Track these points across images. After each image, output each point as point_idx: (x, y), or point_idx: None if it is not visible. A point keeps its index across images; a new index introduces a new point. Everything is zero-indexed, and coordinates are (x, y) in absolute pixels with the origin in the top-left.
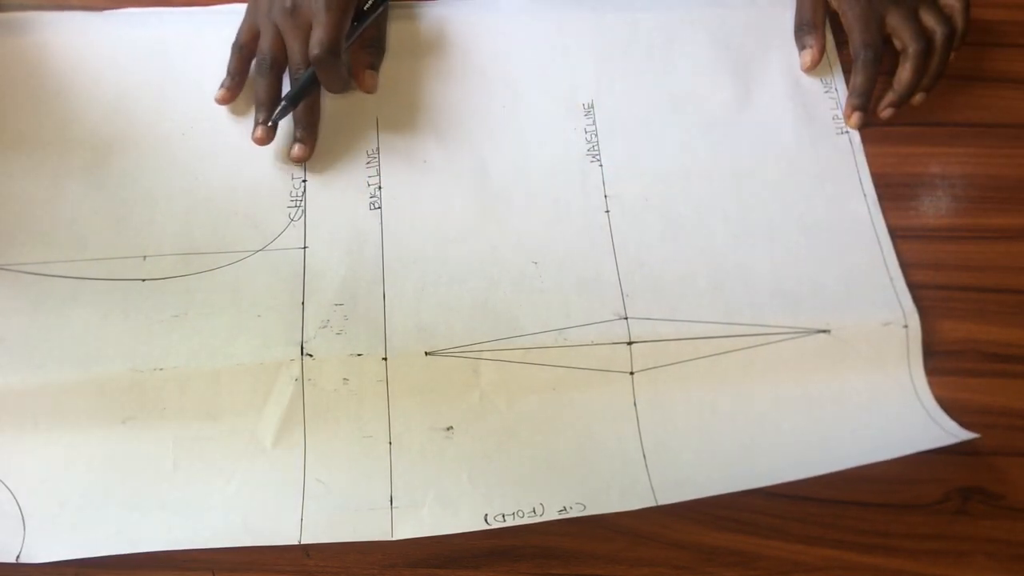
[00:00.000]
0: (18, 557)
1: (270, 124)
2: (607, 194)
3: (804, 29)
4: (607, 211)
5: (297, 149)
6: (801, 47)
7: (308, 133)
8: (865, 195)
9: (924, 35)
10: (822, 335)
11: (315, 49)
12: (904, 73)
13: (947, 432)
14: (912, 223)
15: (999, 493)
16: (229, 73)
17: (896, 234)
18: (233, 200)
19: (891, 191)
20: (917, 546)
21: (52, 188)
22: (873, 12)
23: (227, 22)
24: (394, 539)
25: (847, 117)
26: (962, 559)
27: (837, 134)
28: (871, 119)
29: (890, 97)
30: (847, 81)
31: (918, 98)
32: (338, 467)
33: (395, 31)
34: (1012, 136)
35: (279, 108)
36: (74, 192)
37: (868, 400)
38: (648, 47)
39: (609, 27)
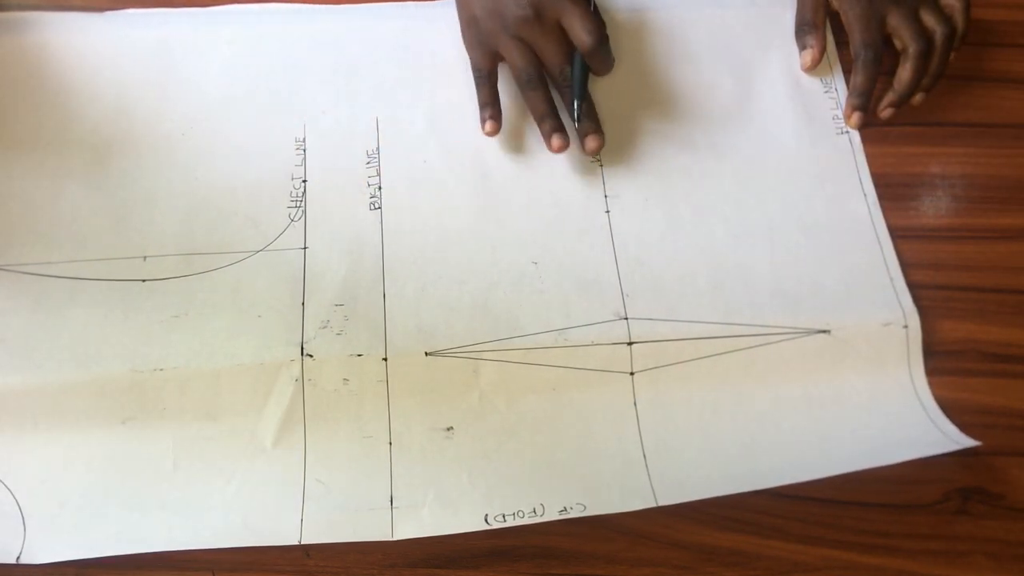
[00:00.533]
0: (18, 558)
1: (576, 121)
2: (607, 194)
3: (805, 29)
4: (607, 211)
5: (592, 140)
6: (802, 47)
7: (594, 123)
8: (865, 195)
9: (924, 35)
10: (822, 335)
11: (588, 40)
12: (904, 73)
13: (947, 436)
14: (912, 223)
15: (999, 493)
16: (487, 104)
17: (896, 234)
18: (233, 200)
19: (891, 191)
20: (917, 546)
21: (52, 188)
22: (874, 12)
23: (228, 23)
24: (394, 539)
25: (847, 117)
26: (962, 559)
27: (837, 134)
28: (871, 119)
29: (890, 97)
30: (847, 81)
31: (918, 98)
32: (338, 467)
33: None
34: (1012, 136)
35: (577, 106)
36: (74, 192)
37: (868, 400)
38: (649, 46)
39: (612, 25)
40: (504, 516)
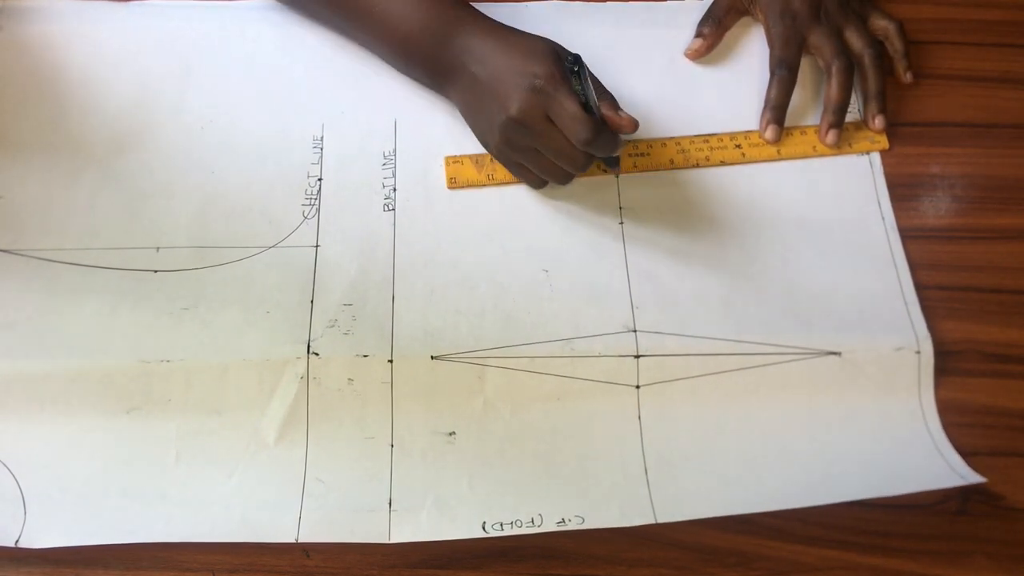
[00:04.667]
0: (17, 541)
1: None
2: (621, 205)
3: (707, 21)
4: (621, 222)
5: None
6: (696, 34)
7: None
8: (883, 218)
9: (846, 53)
10: (832, 357)
11: (581, 138)
12: (831, 91)
13: (953, 469)
14: (912, 223)
15: (999, 493)
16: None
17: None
18: (248, 196)
19: (892, 191)
20: (917, 546)
21: (69, 176)
22: (795, 32)
23: (253, 19)
24: (391, 542)
25: (762, 131)
26: (962, 559)
27: (857, 155)
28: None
29: (827, 118)
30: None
31: (878, 121)
32: (339, 467)
33: None
34: (1012, 136)
35: (614, 163)
36: (91, 181)
37: (875, 426)
38: (663, 62)
39: (629, 43)
40: (502, 524)
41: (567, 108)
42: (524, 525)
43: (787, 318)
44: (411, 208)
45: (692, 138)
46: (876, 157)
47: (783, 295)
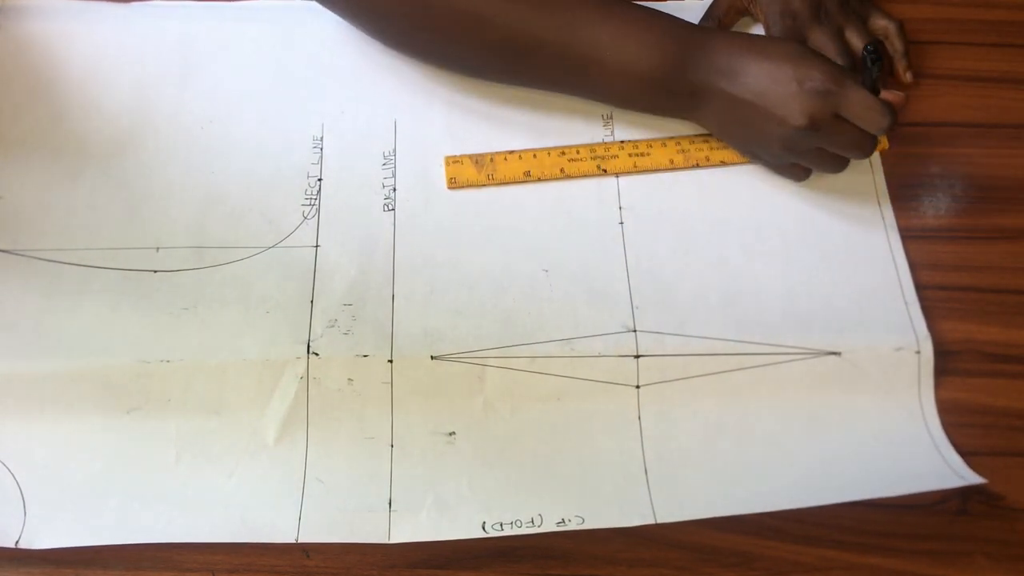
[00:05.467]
0: (17, 542)
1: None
2: (622, 205)
3: (706, 20)
4: (621, 222)
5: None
6: None
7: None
8: (884, 218)
9: (848, 53)
10: (832, 357)
11: (881, 126)
12: None
13: (953, 470)
14: (912, 223)
15: (999, 493)
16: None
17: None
18: (248, 196)
19: (891, 191)
20: (917, 546)
21: (69, 176)
22: (795, 32)
23: (253, 19)
24: (391, 542)
25: None
26: (962, 559)
27: None
28: None
29: None
30: None
31: (883, 140)
32: (339, 467)
33: None
34: (1012, 136)
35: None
36: (91, 181)
37: (876, 426)
38: None
39: None
40: (501, 524)
41: (862, 101)
42: (524, 525)
43: (787, 318)
44: (411, 208)
45: (692, 138)
46: (876, 157)
47: (783, 295)
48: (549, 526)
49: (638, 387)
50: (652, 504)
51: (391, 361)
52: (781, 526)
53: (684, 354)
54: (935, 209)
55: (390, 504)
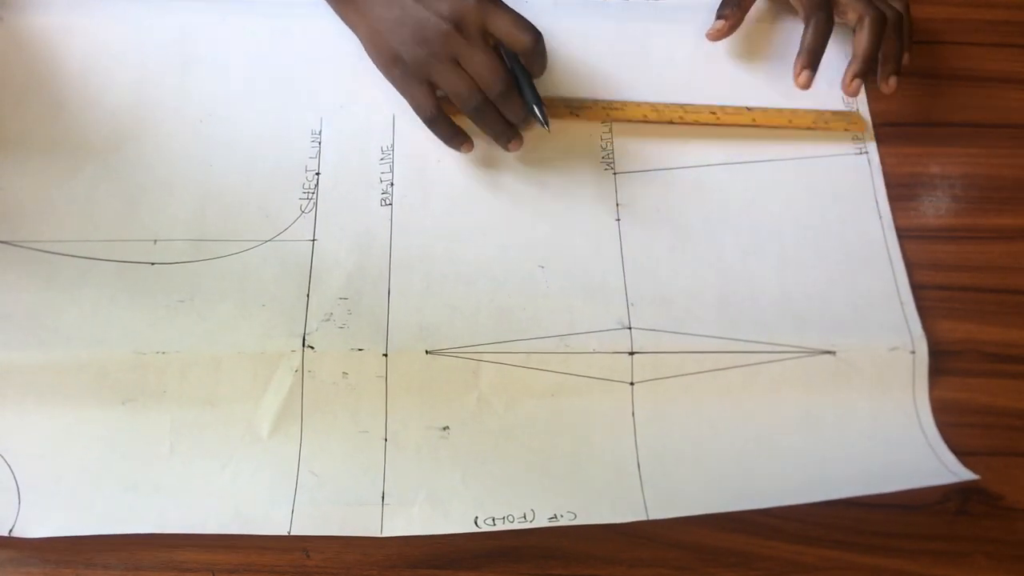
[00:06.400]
0: (11, 531)
1: (547, 125)
2: (619, 202)
3: (730, 3)
4: (617, 219)
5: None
6: (718, 16)
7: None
8: (880, 217)
9: (879, 7)
10: (827, 356)
11: (527, 38)
12: (862, 39)
13: (947, 467)
14: (912, 223)
15: (999, 493)
16: (452, 136)
17: (897, 235)
18: (246, 189)
19: (891, 191)
20: (917, 546)
21: (68, 168)
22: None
23: (252, 11)
24: (383, 536)
25: (796, 75)
26: (962, 559)
27: (856, 154)
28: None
29: (853, 67)
30: (868, 101)
31: (892, 82)
32: (332, 460)
33: None
34: (1012, 136)
35: (543, 113)
36: (90, 174)
37: (869, 425)
38: (664, 59)
39: (628, 38)
40: (494, 520)
41: (512, 19)
42: (516, 520)
43: (782, 316)
44: (408, 203)
45: (668, 104)
46: (875, 156)
47: (779, 293)
48: (541, 521)
49: (632, 384)
50: (644, 500)
51: (386, 355)
52: (781, 526)
53: (679, 351)
54: (935, 209)
55: (383, 498)
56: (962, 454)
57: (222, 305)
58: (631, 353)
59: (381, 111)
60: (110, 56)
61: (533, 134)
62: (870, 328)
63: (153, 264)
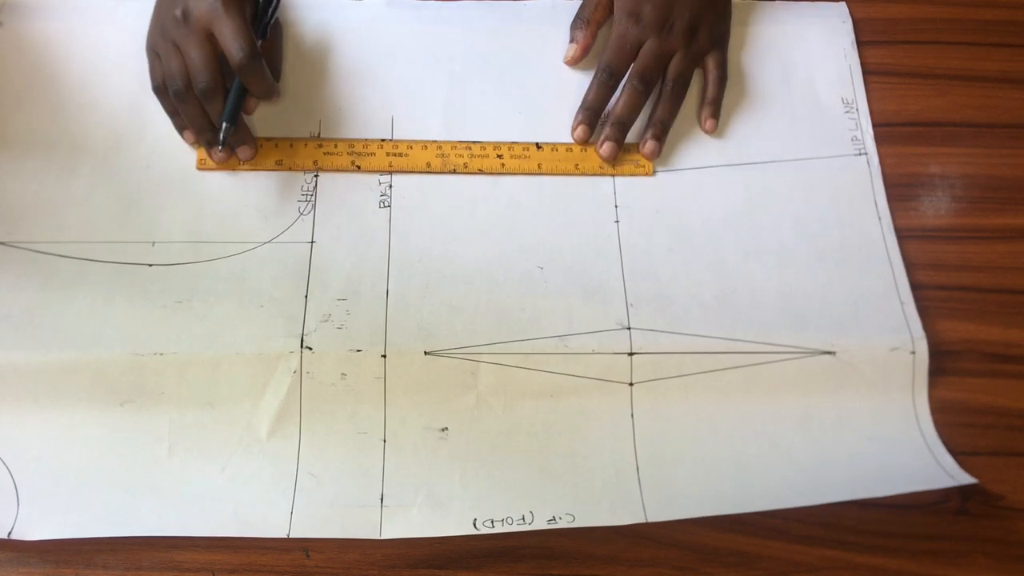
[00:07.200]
0: (10, 533)
1: (221, 145)
2: (617, 204)
3: (577, 24)
4: (616, 221)
5: (242, 152)
6: (570, 39)
7: (242, 138)
8: (880, 218)
9: (645, 79)
10: (827, 356)
11: (237, 55)
12: (616, 104)
13: (945, 471)
14: (912, 223)
15: (998, 493)
16: (175, 118)
17: (897, 235)
18: (245, 191)
19: (891, 191)
20: (917, 546)
21: (66, 170)
22: (635, 35)
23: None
24: (382, 538)
25: (572, 129)
26: (962, 559)
27: (855, 155)
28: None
29: (605, 130)
30: (868, 101)
31: (649, 147)
32: (331, 462)
33: (410, 33)
34: (1012, 136)
35: (225, 129)
36: (88, 175)
37: (869, 426)
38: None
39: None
40: (493, 522)
41: (238, 27)
42: (515, 523)
43: (782, 317)
44: (407, 205)
45: (454, 143)
46: (874, 156)
47: (778, 294)
48: (540, 524)
49: (631, 384)
50: (643, 503)
51: (384, 356)
52: (781, 526)
53: (678, 352)
54: (935, 209)
55: (382, 499)
56: (962, 454)
57: (220, 306)
58: (630, 354)
59: (380, 112)
60: (109, 60)
61: (533, 135)
62: (870, 328)
63: (151, 265)
